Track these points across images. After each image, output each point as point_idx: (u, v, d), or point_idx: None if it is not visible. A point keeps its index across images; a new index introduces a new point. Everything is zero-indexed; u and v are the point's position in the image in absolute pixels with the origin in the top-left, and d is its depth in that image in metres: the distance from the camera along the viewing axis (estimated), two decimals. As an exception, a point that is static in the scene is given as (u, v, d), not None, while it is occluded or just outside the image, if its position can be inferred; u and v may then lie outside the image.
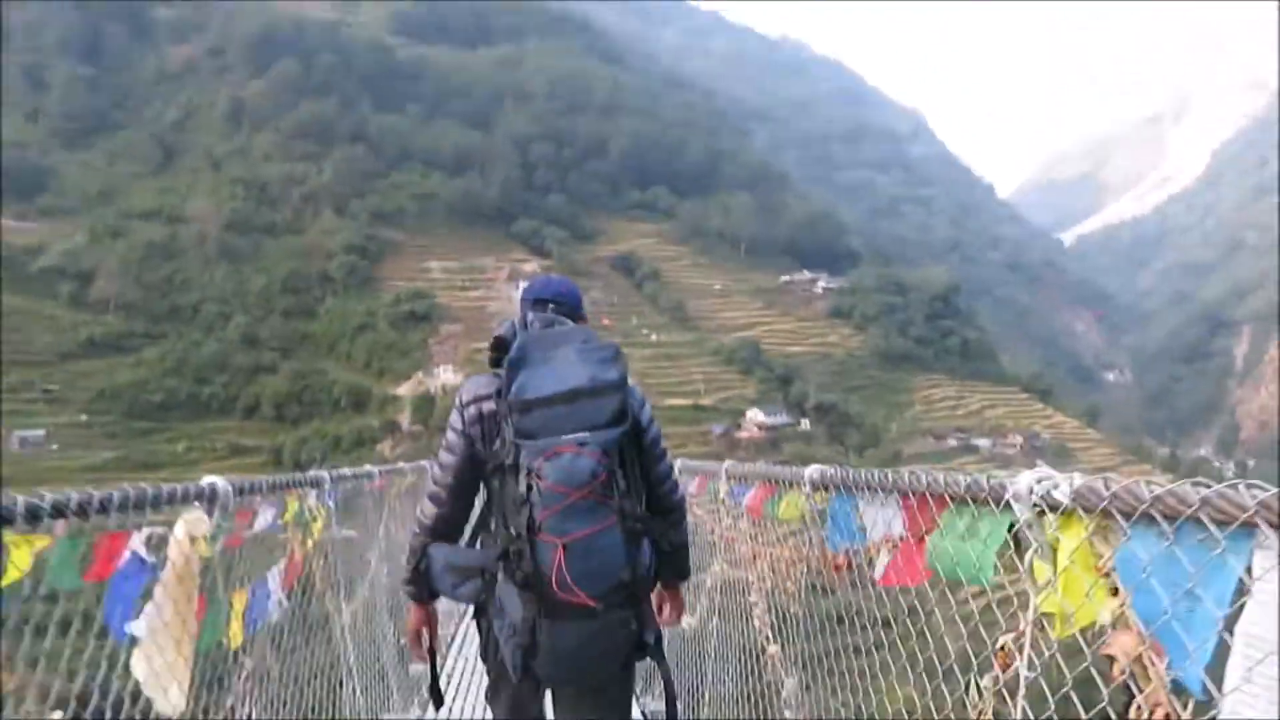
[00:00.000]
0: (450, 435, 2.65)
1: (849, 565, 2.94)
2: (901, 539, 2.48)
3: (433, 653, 2.82)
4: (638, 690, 5.85)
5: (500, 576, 2.43)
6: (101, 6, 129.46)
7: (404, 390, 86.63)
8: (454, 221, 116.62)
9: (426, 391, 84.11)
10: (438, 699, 2.85)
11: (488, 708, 2.89)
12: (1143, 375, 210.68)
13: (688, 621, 5.06)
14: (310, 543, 4.27)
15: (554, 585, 2.27)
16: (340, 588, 5.00)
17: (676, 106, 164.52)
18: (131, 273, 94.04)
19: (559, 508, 2.28)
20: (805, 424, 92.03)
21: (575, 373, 2.44)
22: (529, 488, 2.32)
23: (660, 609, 2.95)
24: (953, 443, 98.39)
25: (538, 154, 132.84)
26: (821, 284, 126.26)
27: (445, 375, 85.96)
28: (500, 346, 2.60)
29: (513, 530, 2.36)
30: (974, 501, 2.03)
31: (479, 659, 2.83)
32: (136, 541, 2.40)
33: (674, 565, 2.84)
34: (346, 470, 5.57)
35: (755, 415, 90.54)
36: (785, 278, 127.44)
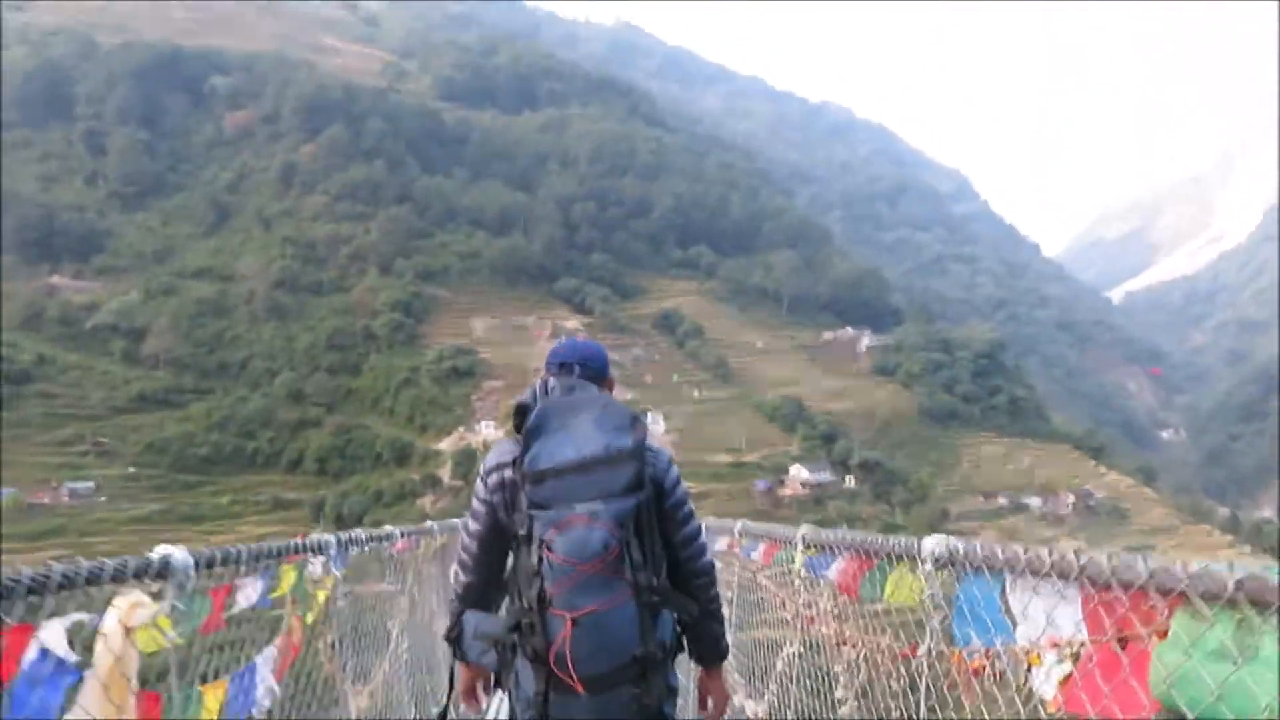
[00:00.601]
0: (475, 504, 2.61)
1: (987, 670, 2.29)
2: (1084, 645, 1.82)
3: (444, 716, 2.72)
4: None
5: (516, 648, 2.38)
6: (161, 76, 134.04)
7: (446, 445, 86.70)
8: (498, 280, 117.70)
9: (468, 446, 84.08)
10: None
11: None
12: (1199, 435, 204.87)
13: (753, 709, 4.64)
14: (311, 618, 3.69)
15: (552, 661, 2.24)
16: (350, 667, 4.37)
17: (719, 167, 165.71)
18: (182, 330, 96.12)
19: (570, 582, 2.25)
20: (850, 481, 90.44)
21: (590, 441, 2.38)
22: (540, 560, 2.29)
23: (703, 700, 2.82)
24: (1003, 501, 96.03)
25: (581, 214, 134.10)
26: (865, 341, 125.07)
27: (487, 430, 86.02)
28: (521, 413, 2.53)
29: (525, 603, 2.33)
30: (1215, 598, 1.39)
31: None
32: (50, 634, 1.91)
33: (706, 638, 2.71)
34: (360, 532, 4.87)
35: (799, 472, 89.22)
36: (828, 335, 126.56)
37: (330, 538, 3.93)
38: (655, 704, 2.36)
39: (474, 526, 2.61)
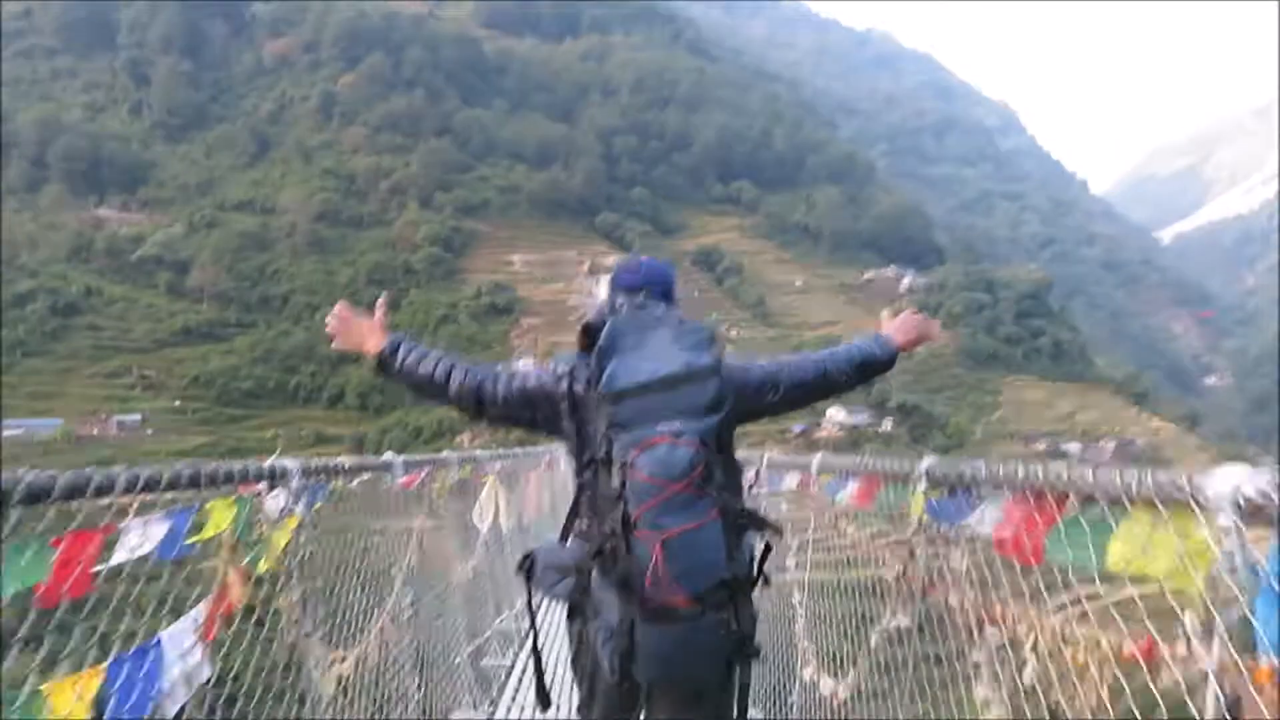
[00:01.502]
0: (542, 373, 2.58)
1: None
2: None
3: (537, 652, 2.57)
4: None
5: (596, 575, 2.29)
6: (202, 4, 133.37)
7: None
8: (537, 214, 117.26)
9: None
10: (544, 700, 2.59)
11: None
12: (1245, 379, 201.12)
13: (830, 687, 3.93)
14: (265, 566, 2.71)
15: (647, 584, 2.16)
16: (324, 632, 3.21)
17: (762, 99, 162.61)
18: (225, 263, 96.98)
19: (656, 501, 2.17)
20: (887, 424, 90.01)
21: (669, 358, 2.32)
22: (623, 482, 2.21)
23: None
24: (1041, 446, 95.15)
25: (622, 147, 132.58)
26: (906, 280, 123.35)
27: (525, 368, 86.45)
28: (589, 333, 2.45)
29: (608, 527, 2.24)
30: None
31: (570, 665, 2.66)
32: None
33: (877, 369, 2.82)
34: (344, 460, 3.77)
35: (835, 414, 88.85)
36: (869, 274, 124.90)
37: (292, 464, 2.96)
38: (745, 629, 2.30)
39: (519, 380, 2.59)
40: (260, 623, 2.90)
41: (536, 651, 2.57)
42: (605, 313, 2.57)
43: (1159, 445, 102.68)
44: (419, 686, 4.71)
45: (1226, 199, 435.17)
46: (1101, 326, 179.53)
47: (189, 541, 2.29)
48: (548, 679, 2.59)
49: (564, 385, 2.48)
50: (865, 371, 2.78)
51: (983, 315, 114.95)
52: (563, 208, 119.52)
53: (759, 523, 2.42)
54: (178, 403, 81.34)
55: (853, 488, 3.68)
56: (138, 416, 77.40)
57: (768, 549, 2.50)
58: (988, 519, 2.35)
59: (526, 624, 2.74)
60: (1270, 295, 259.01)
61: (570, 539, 2.51)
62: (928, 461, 2.77)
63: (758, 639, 2.43)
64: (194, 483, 2.19)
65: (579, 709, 2.73)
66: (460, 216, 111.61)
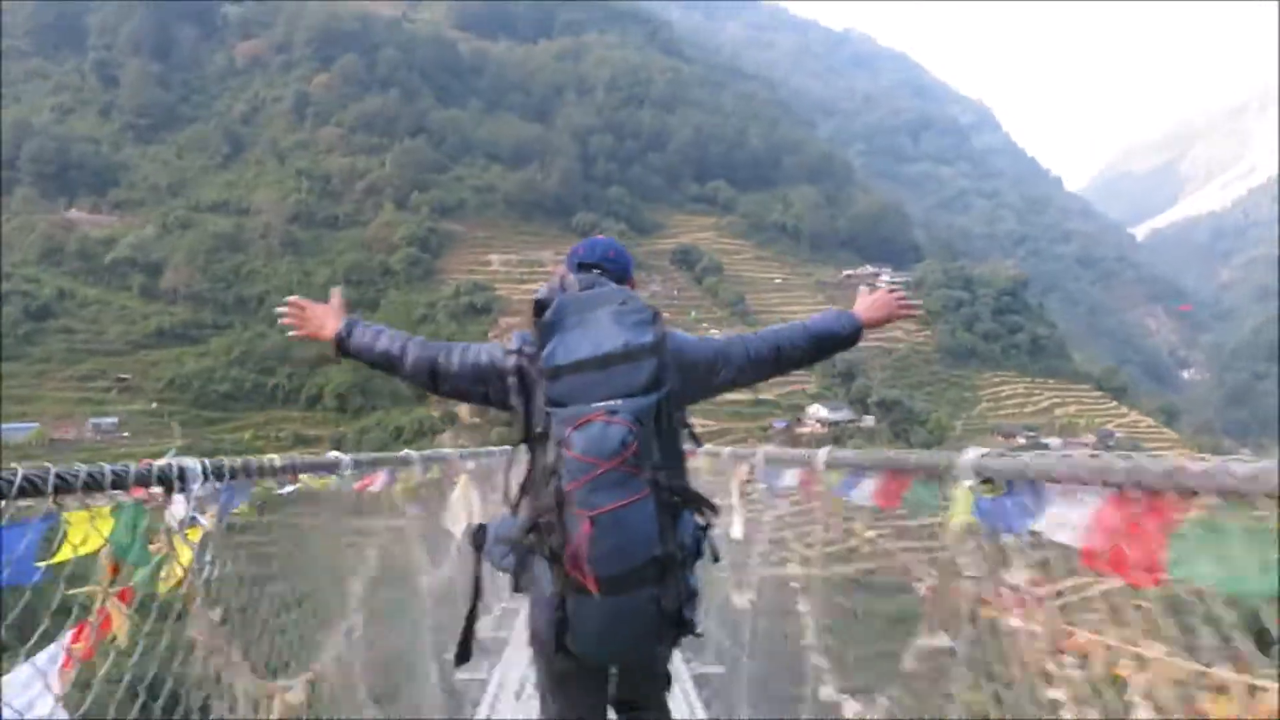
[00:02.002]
0: (495, 349, 2.63)
1: None
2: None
3: (472, 614, 2.65)
4: (689, 656, 6.24)
5: (535, 549, 2.35)
6: (172, 5, 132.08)
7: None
8: (513, 214, 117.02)
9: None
10: (464, 655, 2.68)
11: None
12: (1222, 374, 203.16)
13: (856, 711, 3.31)
14: (167, 588, 2.12)
15: (568, 561, 2.21)
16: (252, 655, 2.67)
17: (738, 98, 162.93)
18: (199, 264, 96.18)
19: (587, 479, 2.20)
20: (869, 420, 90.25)
21: (609, 337, 2.35)
22: (557, 457, 2.25)
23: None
24: (1021, 441, 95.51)
25: (597, 147, 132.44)
26: (885, 278, 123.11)
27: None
28: (539, 309, 2.50)
29: (542, 501, 2.29)
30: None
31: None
32: None
33: (836, 344, 2.81)
34: (274, 458, 3.02)
35: (817, 410, 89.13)
36: (847, 272, 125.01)
37: (194, 464, 2.22)
38: (674, 606, 2.31)
39: (472, 354, 2.63)
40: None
41: (472, 613, 2.62)
42: (555, 289, 2.56)
43: (1138, 439, 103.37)
44: (379, 708, 4.22)
45: (1201, 195, 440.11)
46: (1078, 322, 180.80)
47: (41, 564, 1.75)
48: None
49: (512, 361, 2.51)
50: (822, 345, 2.76)
51: (961, 312, 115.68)
52: (539, 208, 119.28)
53: (695, 501, 2.42)
54: (154, 405, 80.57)
55: (870, 486, 3.01)
56: (114, 419, 76.60)
57: (707, 527, 2.50)
58: (1068, 522, 1.78)
59: (471, 592, 2.64)
60: (1245, 290, 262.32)
61: (517, 513, 2.50)
62: (974, 452, 2.20)
63: (697, 618, 2.43)
64: (64, 487, 1.70)
65: (536, 683, 2.79)
66: (437, 217, 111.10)
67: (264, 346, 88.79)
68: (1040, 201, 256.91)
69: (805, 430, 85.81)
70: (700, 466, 6.62)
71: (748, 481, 5.05)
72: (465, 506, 6.44)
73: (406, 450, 5.97)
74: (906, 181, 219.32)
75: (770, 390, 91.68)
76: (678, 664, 5.84)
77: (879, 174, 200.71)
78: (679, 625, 2.37)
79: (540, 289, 2.60)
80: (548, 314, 2.42)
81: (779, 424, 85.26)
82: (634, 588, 2.23)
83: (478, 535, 2.58)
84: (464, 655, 2.73)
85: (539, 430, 2.35)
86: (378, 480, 4.68)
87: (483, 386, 2.61)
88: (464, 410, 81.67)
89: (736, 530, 5.21)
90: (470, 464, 7.20)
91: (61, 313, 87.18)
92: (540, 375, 2.35)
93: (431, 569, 5.90)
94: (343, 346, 2.82)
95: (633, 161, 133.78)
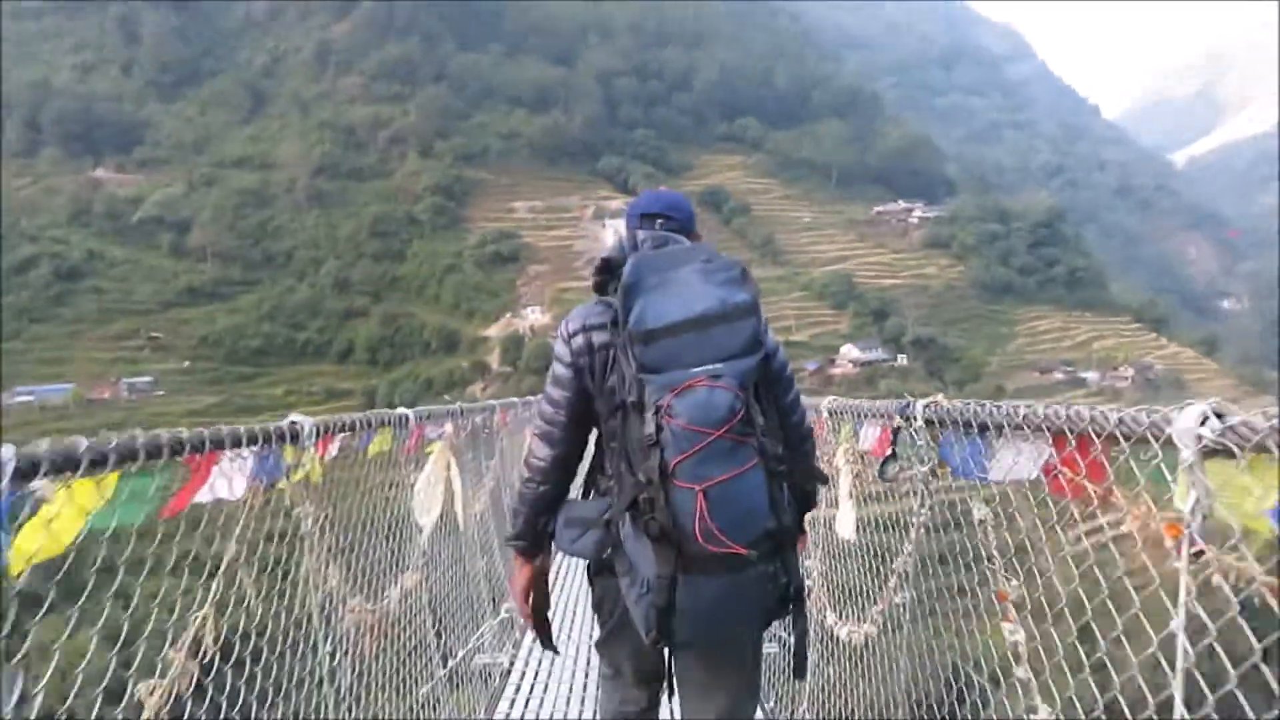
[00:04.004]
0: (558, 369, 2.38)
1: None
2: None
3: (543, 615, 2.58)
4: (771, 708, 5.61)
5: (628, 529, 2.16)
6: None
7: (493, 331, 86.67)
8: (538, 160, 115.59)
9: (515, 332, 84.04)
10: (552, 646, 2.63)
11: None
12: (1262, 303, 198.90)
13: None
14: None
15: (698, 537, 2.02)
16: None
17: (764, 34, 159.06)
18: (226, 221, 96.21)
19: (696, 450, 2.02)
20: (902, 359, 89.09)
21: (702, 295, 2.14)
22: (658, 428, 2.06)
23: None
24: (1059, 376, 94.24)
25: (622, 88, 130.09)
26: (917, 214, 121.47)
27: (533, 316, 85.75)
28: (608, 269, 2.33)
29: (642, 476, 2.10)
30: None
31: (593, 610, 2.57)
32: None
33: (807, 506, 2.45)
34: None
35: (850, 351, 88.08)
36: (878, 208, 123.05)
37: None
38: (787, 582, 2.17)
39: (559, 394, 2.36)
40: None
41: (543, 613, 2.57)
42: (626, 248, 2.37)
43: (1177, 370, 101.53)
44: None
45: (1240, 121, 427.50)
46: (1115, 253, 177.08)
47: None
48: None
49: (582, 360, 2.32)
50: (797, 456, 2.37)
51: (996, 246, 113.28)
52: (564, 152, 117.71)
53: (802, 470, 2.31)
54: (187, 363, 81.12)
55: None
56: (149, 378, 77.18)
57: (811, 497, 2.40)
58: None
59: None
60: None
61: (592, 495, 2.37)
62: (1201, 405, 1.76)
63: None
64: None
65: (603, 676, 2.66)
66: (461, 165, 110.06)
67: (293, 301, 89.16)
68: (1076, 130, 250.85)
69: (838, 371, 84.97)
70: None
71: (857, 457, 3.65)
72: (441, 488, 4.65)
73: (403, 410, 4.54)
74: (937, 114, 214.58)
75: (802, 331, 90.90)
76: None
77: (909, 107, 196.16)
78: (789, 602, 2.20)
79: (603, 247, 2.37)
80: (626, 274, 2.16)
81: (811, 365, 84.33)
82: (749, 563, 2.07)
83: (539, 521, 2.43)
84: (550, 643, 2.61)
85: (632, 400, 2.13)
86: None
87: (588, 407, 2.36)
88: (493, 359, 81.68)
89: (846, 525, 3.70)
90: (446, 425, 4.96)
91: (91, 273, 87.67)
92: (629, 340, 2.12)
93: (391, 583, 4.25)
94: (538, 553, 2.54)
95: (658, 102, 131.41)
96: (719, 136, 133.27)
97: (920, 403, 2.62)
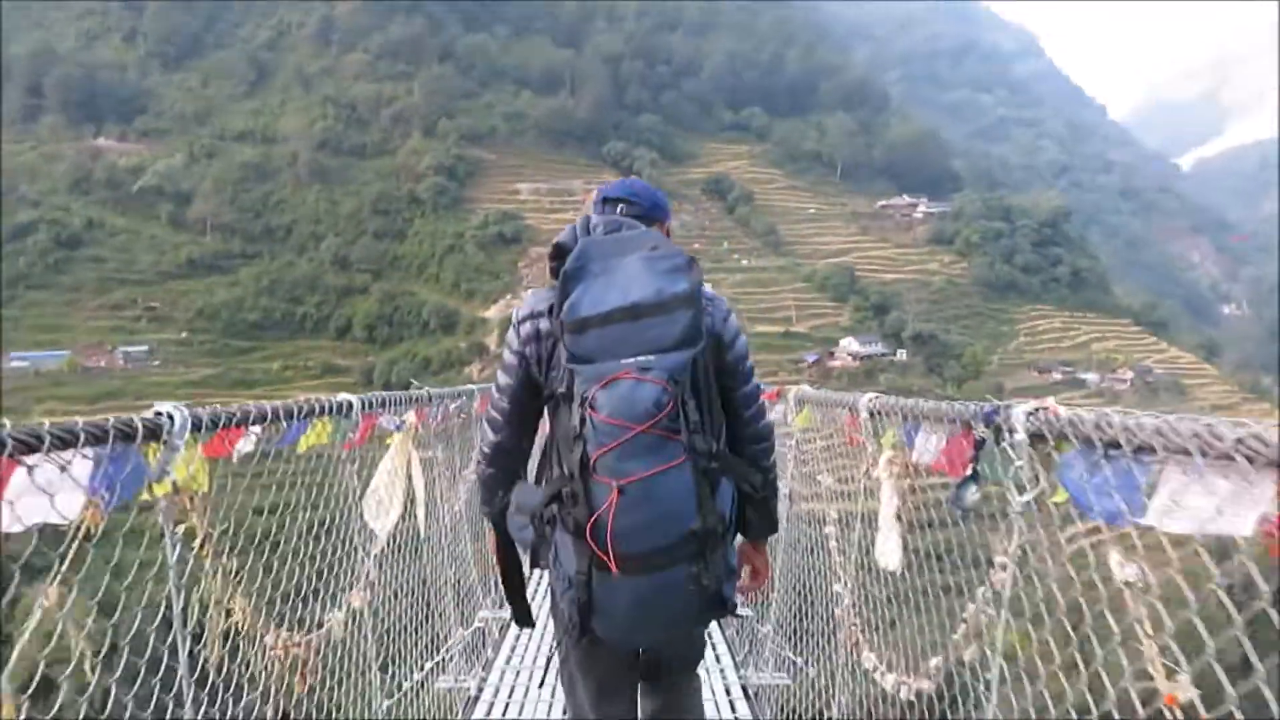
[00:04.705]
0: (506, 355, 2.36)
1: None
2: None
3: (517, 588, 2.50)
4: (738, 660, 5.48)
5: (558, 521, 2.10)
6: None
7: (492, 313, 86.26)
8: (543, 142, 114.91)
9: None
10: (525, 622, 2.56)
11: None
12: (1264, 308, 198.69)
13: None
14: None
15: (591, 536, 1.97)
16: None
17: (773, 23, 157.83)
18: (227, 194, 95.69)
19: (616, 444, 1.96)
20: (902, 354, 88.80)
21: (639, 285, 2.08)
22: (582, 420, 2.00)
23: (739, 572, 2.48)
24: (1058, 376, 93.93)
25: (629, 72, 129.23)
26: (921, 208, 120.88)
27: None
28: (559, 254, 2.27)
29: (565, 469, 2.08)
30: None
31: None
32: None
33: (760, 513, 2.41)
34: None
35: (849, 344, 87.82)
36: (883, 202, 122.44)
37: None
38: (715, 585, 2.06)
39: (505, 381, 2.34)
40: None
41: (514, 573, 2.47)
42: (579, 233, 2.32)
43: (1177, 374, 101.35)
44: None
45: (1248, 123, 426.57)
46: (1118, 255, 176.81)
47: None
48: None
49: (529, 348, 2.27)
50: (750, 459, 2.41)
51: (1000, 243, 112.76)
52: (569, 135, 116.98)
53: (735, 470, 2.21)
54: (184, 334, 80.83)
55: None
56: (144, 348, 76.91)
57: (746, 498, 2.28)
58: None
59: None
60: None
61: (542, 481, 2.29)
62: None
63: (736, 596, 2.25)
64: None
65: (560, 666, 2.61)
66: (465, 145, 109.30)
67: (293, 276, 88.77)
68: (1083, 130, 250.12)
69: (837, 364, 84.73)
70: (786, 419, 5.09)
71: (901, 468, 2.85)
72: (402, 486, 3.94)
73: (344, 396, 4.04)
74: (944, 109, 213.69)
75: (803, 323, 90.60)
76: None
77: (916, 101, 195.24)
78: (718, 605, 2.12)
79: (563, 231, 2.32)
80: (570, 260, 2.12)
81: (810, 357, 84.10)
82: (668, 565, 1.98)
83: (497, 504, 2.37)
84: (525, 623, 2.53)
85: (561, 390, 2.11)
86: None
87: (537, 398, 2.33)
88: (492, 341, 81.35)
89: (891, 555, 2.89)
90: (409, 414, 4.17)
91: (91, 242, 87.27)
92: (561, 329, 2.06)
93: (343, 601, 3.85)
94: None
95: (665, 88, 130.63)
96: (725, 125, 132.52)
97: (1020, 408, 1.94)
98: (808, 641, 4.66)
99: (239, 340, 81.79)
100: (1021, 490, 1.97)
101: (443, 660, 5.04)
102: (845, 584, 3.87)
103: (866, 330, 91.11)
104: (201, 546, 2.19)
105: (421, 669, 4.67)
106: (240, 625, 2.49)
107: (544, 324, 2.23)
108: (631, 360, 1.99)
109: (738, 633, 5.71)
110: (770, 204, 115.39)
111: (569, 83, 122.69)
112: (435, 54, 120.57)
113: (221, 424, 2.23)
